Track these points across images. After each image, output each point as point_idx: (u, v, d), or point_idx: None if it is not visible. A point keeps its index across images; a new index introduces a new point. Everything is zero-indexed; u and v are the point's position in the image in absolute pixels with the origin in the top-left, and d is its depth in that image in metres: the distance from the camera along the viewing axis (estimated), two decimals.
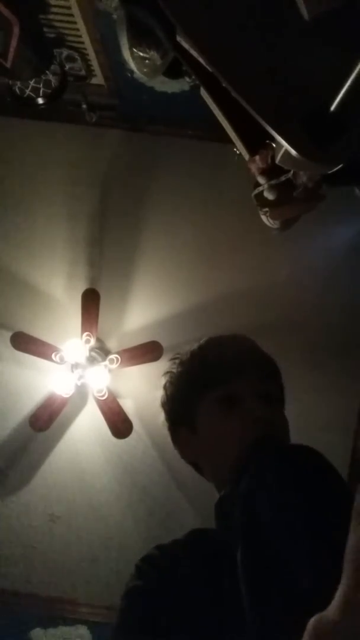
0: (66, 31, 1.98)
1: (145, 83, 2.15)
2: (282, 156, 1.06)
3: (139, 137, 2.50)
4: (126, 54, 1.61)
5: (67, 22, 1.92)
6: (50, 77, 1.94)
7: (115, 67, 2.10)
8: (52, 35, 2.00)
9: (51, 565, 2.47)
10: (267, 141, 1.30)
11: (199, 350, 0.89)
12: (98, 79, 2.24)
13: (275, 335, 2.18)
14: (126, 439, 2.30)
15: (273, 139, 1.06)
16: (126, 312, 2.50)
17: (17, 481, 2.49)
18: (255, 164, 1.39)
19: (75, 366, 2.28)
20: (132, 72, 1.98)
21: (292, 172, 1.35)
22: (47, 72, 1.91)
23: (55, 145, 2.52)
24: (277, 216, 1.56)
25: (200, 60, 1.07)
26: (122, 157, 2.53)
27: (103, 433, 2.33)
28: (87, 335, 2.30)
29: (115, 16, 1.63)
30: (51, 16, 1.90)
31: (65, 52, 2.07)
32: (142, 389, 2.43)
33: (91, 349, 2.34)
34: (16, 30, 1.63)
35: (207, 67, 1.05)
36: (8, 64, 1.74)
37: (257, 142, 1.33)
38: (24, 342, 2.28)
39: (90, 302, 2.32)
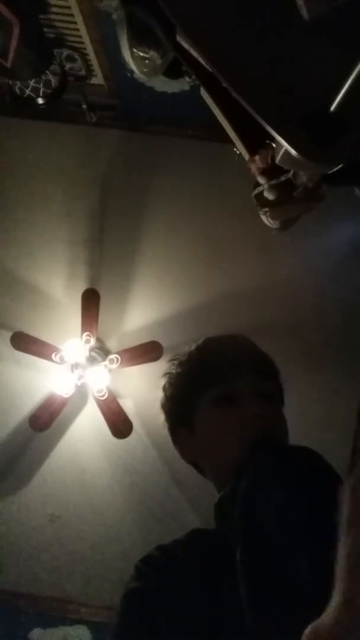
0: (66, 31, 1.98)
1: (145, 83, 2.15)
2: (282, 156, 1.06)
3: (139, 137, 2.50)
4: (126, 54, 1.61)
5: (67, 22, 1.92)
6: (50, 77, 1.94)
7: (115, 67, 2.10)
8: (52, 35, 2.00)
9: (51, 565, 2.47)
10: (267, 141, 1.30)
11: (197, 351, 0.89)
12: (98, 79, 2.24)
13: (275, 335, 2.18)
14: (126, 439, 2.30)
15: (273, 139, 1.06)
16: (126, 312, 2.50)
17: (17, 481, 2.49)
18: (255, 164, 1.39)
19: (75, 366, 2.28)
20: (132, 72, 1.98)
21: (292, 172, 1.35)
22: (47, 72, 1.91)
23: (55, 145, 2.52)
24: (277, 216, 1.56)
25: (200, 60, 1.07)
26: (122, 157, 2.53)
27: (103, 433, 2.33)
28: (87, 335, 2.30)
29: (115, 16, 1.63)
30: (51, 16, 1.90)
31: (65, 52, 2.07)
32: (142, 389, 2.43)
33: (91, 349, 2.34)
34: (16, 30, 1.63)
35: (207, 67, 1.05)
36: (8, 64, 1.74)
37: (257, 142, 1.33)
38: (24, 342, 2.28)
39: (90, 302, 2.32)
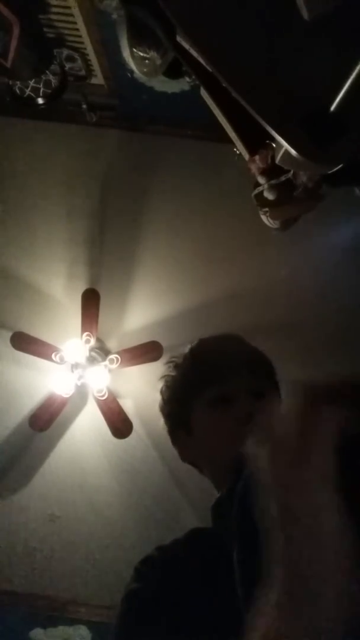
0: (66, 31, 1.98)
1: (145, 83, 2.15)
2: (282, 156, 1.06)
3: (139, 137, 2.50)
4: (126, 54, 1.61)
5: (67, 22, 1.92)
6: (50, 77, 1.94)
7: (115, 67, 2.10)
8: (52, 35, 2.00)
9: (51, 565, 2.47)
10: (267, 141, 1.30)
11: (191, 352, 0.90)
12: (98, 79, 2.24)
13: (275, 335, 2.18)
14: (126, 439, 2.30)
15: (273, 139, 1.06)
16: (126, 312, 2.50)
17: (17, 481, 2.49)
18: (255, 164, 1.39)
19: (75, 366, 2.28)
20: (132, 72, 1.98)
21: (292, 172, 1.35)
22: (47, 72, 1.91)
23: (55, 145, 2.52)
24: (277, 216, 1.56)
25: (200, 60, 1.07)
26: (122, 157, 2.53)
27: (103, 433, 2.33)
28: (87, 335, 2.30)
29: (115, 16, 1.63)
30: (51, 16, 1.90)
31: (65, 52, 2.07)
32: (142, 389, 2.43)
33: (91, 349, 2.34)
34: (16, 30, 1.63)
35: (207, 67, 1.05)
36: (8, 64, 1.74)
37: (257, 142, 1.33)
38: (24, 342, 2.28)
39: (90, 302, 2.32)
